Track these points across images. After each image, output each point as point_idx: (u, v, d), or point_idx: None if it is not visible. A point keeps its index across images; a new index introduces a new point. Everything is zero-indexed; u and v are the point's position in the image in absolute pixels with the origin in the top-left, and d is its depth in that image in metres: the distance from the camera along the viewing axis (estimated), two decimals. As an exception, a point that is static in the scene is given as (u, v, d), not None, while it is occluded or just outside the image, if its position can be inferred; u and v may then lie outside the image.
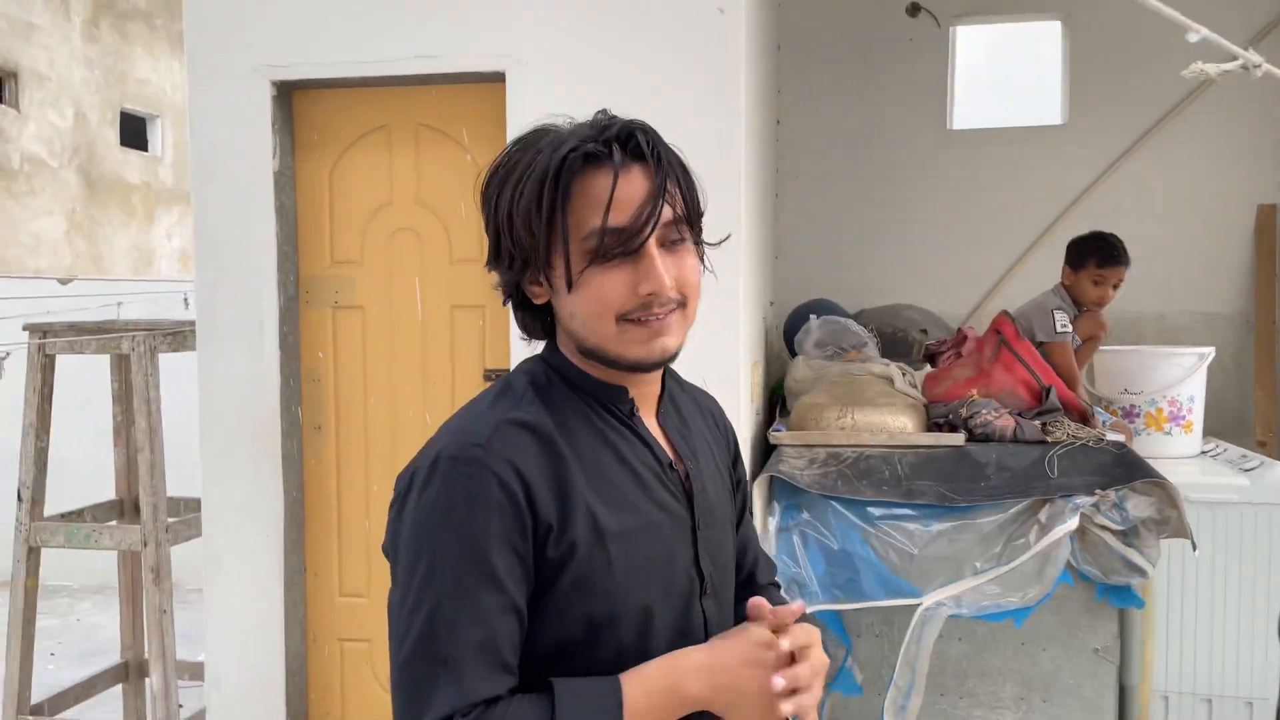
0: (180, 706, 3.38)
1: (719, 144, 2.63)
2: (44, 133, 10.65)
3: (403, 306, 2.92)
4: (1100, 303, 3.43)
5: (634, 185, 1.10)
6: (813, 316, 3.60)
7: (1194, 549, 2.77)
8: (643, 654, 1.12)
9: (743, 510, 1.41)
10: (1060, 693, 2.89)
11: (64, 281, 6.67)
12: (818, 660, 1.14)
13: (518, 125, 2.71)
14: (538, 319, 1.21)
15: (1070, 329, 3.34)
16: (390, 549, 1.08)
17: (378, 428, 2.96)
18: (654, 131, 1.14)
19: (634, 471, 1.16)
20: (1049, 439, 2.86)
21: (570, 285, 1.11)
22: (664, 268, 1.10)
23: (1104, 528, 2.73)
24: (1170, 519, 2.72)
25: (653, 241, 1.10)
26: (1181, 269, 4.45)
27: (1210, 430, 4.26)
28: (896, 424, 2.97)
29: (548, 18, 2.70)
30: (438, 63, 2.75)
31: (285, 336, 2.90)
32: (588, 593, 1.09)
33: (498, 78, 2.74)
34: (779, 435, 2.99)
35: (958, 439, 2.89)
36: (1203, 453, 3.82)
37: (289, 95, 2.91)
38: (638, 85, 2.66)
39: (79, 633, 5.59)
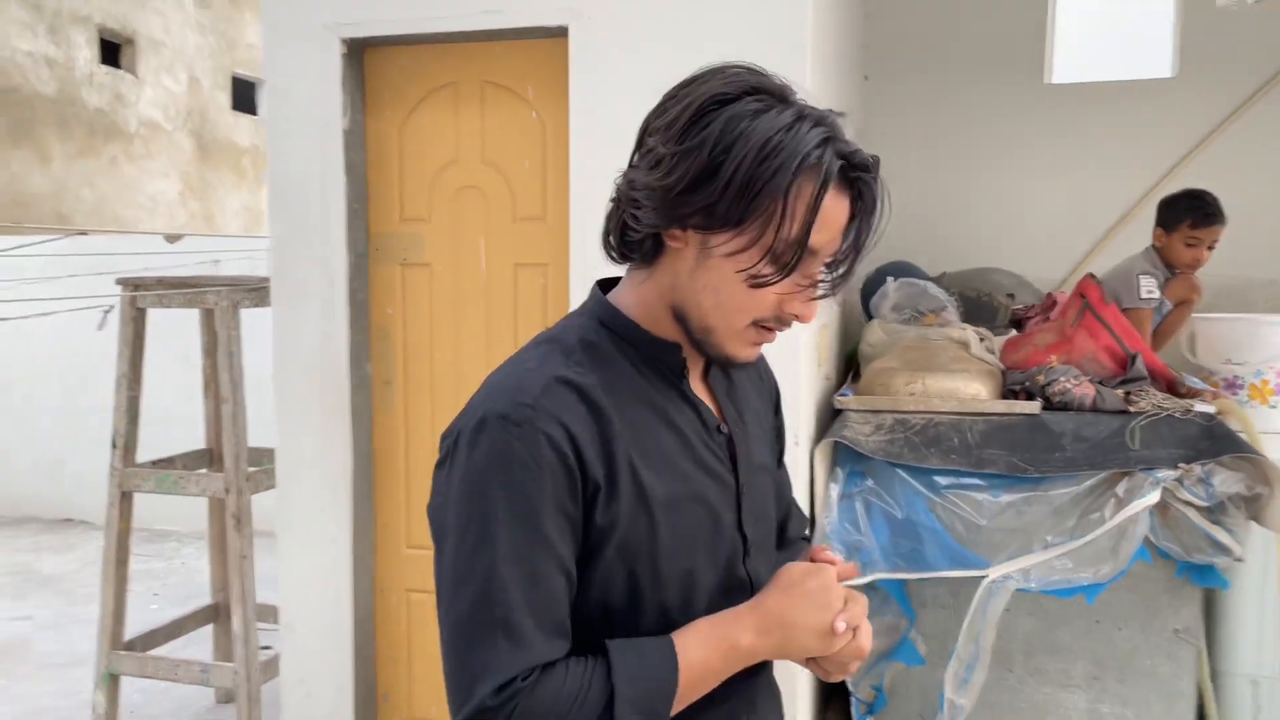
0: (267, 648, 3.52)
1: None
2: (159, 98, 11.07)
3: (468, 264, 2.94)
4: (1194, 265, 3.24)
5: (843, 217, 1.06)
6: (890, 279, 3.50)
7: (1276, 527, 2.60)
8: (686, 616, 1.11)
9: (779, 460, 1.38)
10: (1136, 674, 2.77)
11: (171, 239, 6.94)
12: (864, 631, 1.12)
13: (580, 81, 2.69)
14: (631, 249, 1.13)
15: (1157, 295, 3.16)
16: (437, 511, 1.06)
17: (443, 384, 3.00)
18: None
19: (680, 435, 1.13)
20: (1131, 409, 2.72)
21: (757, 283, 1.05)
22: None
23: (1188, 504, 2.59)
24: (1261, 496, 2.57)
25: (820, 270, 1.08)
26: (1296, 233, 4.17)
27: (1325, 405, 4.00)
28: (969, 390, 2.86)
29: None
30: (500, 18, 2.73)
31: (355, 293, 2.95)
32: (632, 558, 1.07)
33: (561, 32, 2.71)
34: (845, 400, 2.91)
35: (1033, 407, 2.77)
36: (1312, 428, 3.59)
37: (360, 53, 2.94)
38: (701, 38, 2.59)
39: (182, 575, 5.88)
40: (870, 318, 3.61)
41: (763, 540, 1.23)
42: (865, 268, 3.75)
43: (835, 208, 1.04)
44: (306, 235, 2.92)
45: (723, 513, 1.15)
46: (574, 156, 2.71)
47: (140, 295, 3.47)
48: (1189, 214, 3.22)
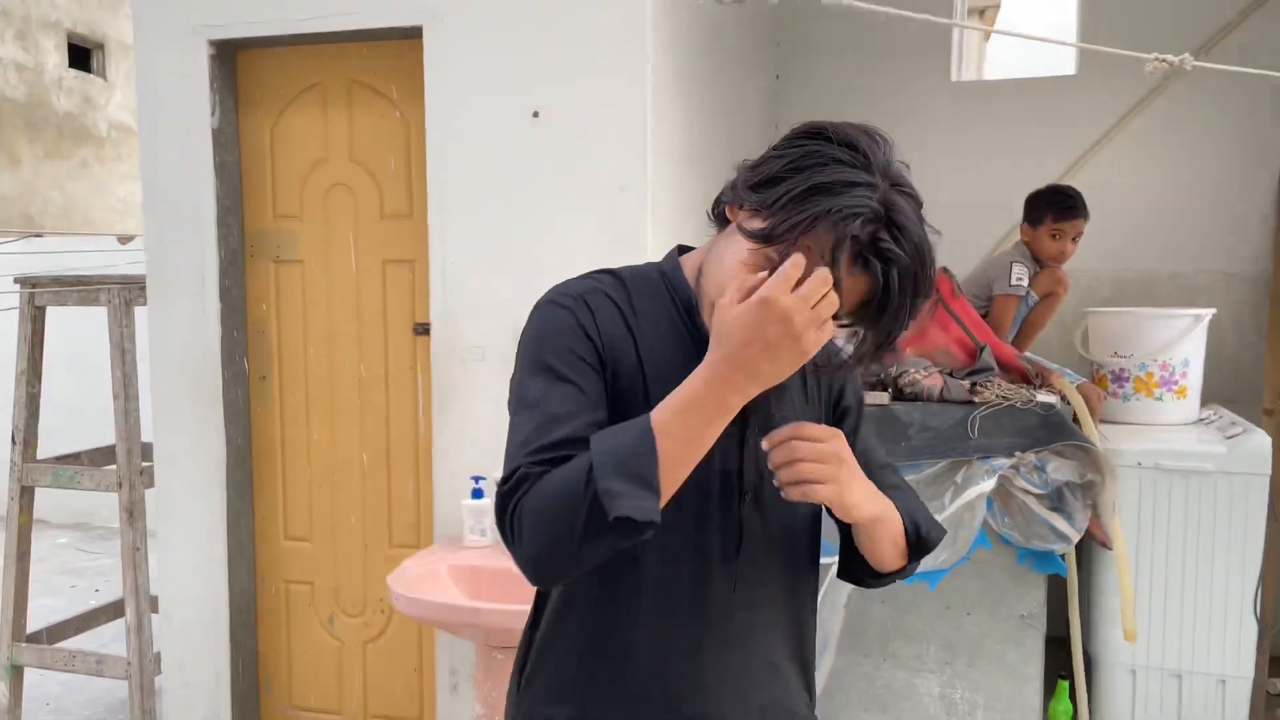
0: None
1: (623, 100, 2.61)
2: (130, 101, 11.16)
3: (339, 261, 3.00)
4: (1060, 258, 3.29)
5: (852, 291, 1.09)
6: (773, 274, 3.55)
7: (1112, 514, 2.66)
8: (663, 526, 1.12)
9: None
10: (985, 659, 2.82)
11: (123, 240, 7.02)
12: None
13: (435, 81, 2.75)
14: (715, 218, 1.27)
15: (1025, 284, 3.22)
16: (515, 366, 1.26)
17: (317, 378, 3.06)
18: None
19: (686, 365, 1.13)
20: (976, 399, 2.77)
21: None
22: None
23: (1025, 491, 2.64)
24: (1094, 484, 2.62)
25: None
26: (1197, 227, 4.21)
27: (1222, 397, 4.04)
28: (826, 382, 2.91)
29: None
30: (360, 19, 2.79)
31: (227, 289, 3.01)
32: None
33: (417, 33, 2.77)
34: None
35: (881, 397, 2.82)
36: (1200, 420, 3.64)
37: (232, 55, 3.00)
38: (548, 39, 2.65)
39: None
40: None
41: (772, 494, 1.21)
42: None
43: (845, 277, 1.06)
44: (179, 233, 2.99)
45: (716, 449, 1.13)
46: (430, 155, 2.77)
47: (38, 293, 3.54)
48: (1050, 208, 3.29)
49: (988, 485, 2.61)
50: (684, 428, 1.08)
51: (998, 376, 2.88)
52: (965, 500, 2.62)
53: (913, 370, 2.85)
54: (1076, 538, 2.65)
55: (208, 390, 3.01)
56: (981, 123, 4.40)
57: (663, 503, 1.08)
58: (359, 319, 3.01)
